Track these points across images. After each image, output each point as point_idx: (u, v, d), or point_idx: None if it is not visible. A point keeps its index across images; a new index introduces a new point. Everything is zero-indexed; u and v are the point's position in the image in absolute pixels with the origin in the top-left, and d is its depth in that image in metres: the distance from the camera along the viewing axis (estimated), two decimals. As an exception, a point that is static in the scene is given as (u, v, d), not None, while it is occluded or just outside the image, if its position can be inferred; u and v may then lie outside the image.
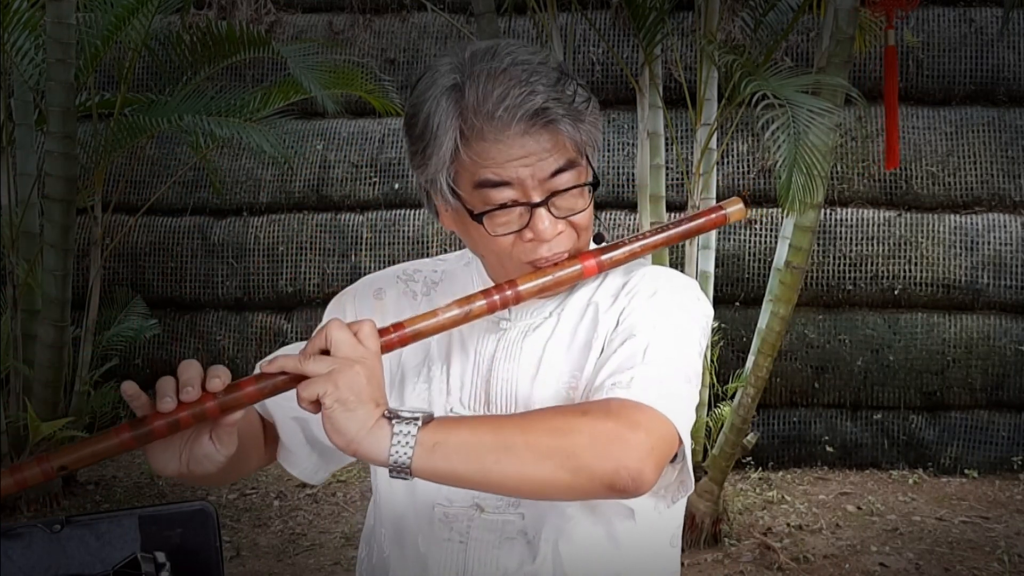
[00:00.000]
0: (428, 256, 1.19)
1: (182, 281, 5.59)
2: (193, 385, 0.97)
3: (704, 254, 4.18)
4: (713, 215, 1.16)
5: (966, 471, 4.87)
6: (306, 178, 5.55)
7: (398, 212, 5.46)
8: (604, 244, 1.15)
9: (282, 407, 1.20)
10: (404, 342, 1.04)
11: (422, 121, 1.09)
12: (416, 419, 0.95)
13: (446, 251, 1.32)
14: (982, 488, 4.70)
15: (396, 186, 5.48)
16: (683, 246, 4.12)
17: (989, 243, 4.98)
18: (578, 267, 1.11)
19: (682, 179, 4.68)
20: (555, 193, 1.08)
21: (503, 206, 1.08)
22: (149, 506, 1.07)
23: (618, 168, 5.27)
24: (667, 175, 4.33)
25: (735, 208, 1.16)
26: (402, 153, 5.54)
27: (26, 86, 4.41)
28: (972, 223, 5.03)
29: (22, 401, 4.47)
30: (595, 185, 1.12)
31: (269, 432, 1.22)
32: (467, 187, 1.09)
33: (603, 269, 1.13)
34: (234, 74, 5.54)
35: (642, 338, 1.08)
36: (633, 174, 4.90)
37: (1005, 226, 5.01)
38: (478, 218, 1.09)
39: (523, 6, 4.30)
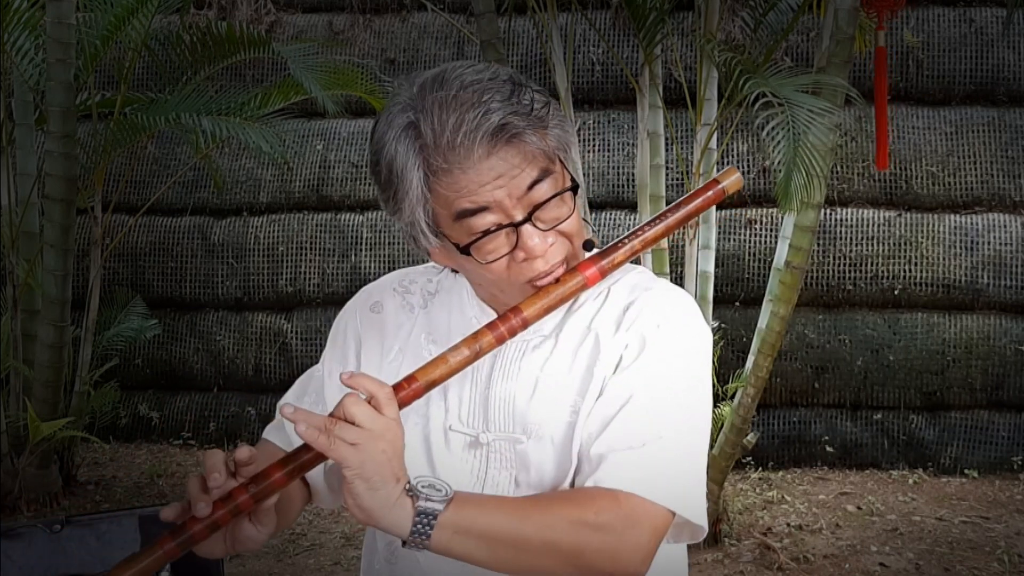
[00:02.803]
0: (428, 257, 1.17)
1: (182, 281, 5.59)
2: (219, 471, 0.99)
3: (704, 254, 4.18)
4: (709, 192, 1.12)
5: (966, 471, 4.87)
6: (306, 178, 5.55)
7: (398, 212, 5.45)
8: (603, 248, 1.13)
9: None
10: (419, 395, 1.04)
11: (386, 167, 1.07)
12: (438, 502, 0.97)
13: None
14: (982, 488, 4.70)
15: (396, 186, 5.47)
16: (683, 246, 4.12)
17: (989, 243, 4.98)
18: (580, 279, 1.09)
19: (682, 179, 4.68)
20: (536, 207, 1.06)
21: (487, 232, 1.06)
22: (149, 506, 1.07)
23: (618, 168, 5.27)
24: (667, 175, 4.33)
25: (731, 180, 1.12)
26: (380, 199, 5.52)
27: (26, 86, 4.41)
28: (972, 223, 5.03)
29: (22, 401, 4.47)
30: (575, 188, 1.09)
31: (305, 479, 1.23)
32: (447, 222, 1.07)
33: (605, 275, 1.11)
34: (234, 74, 5.54)
35: (643, 401, 1.08)
36: (633, 174, 4.90)
37: (1005, 226, 5.00)
38: (465, 251, 1.07)
39: (523, 6, 4.30)
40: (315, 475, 1.21)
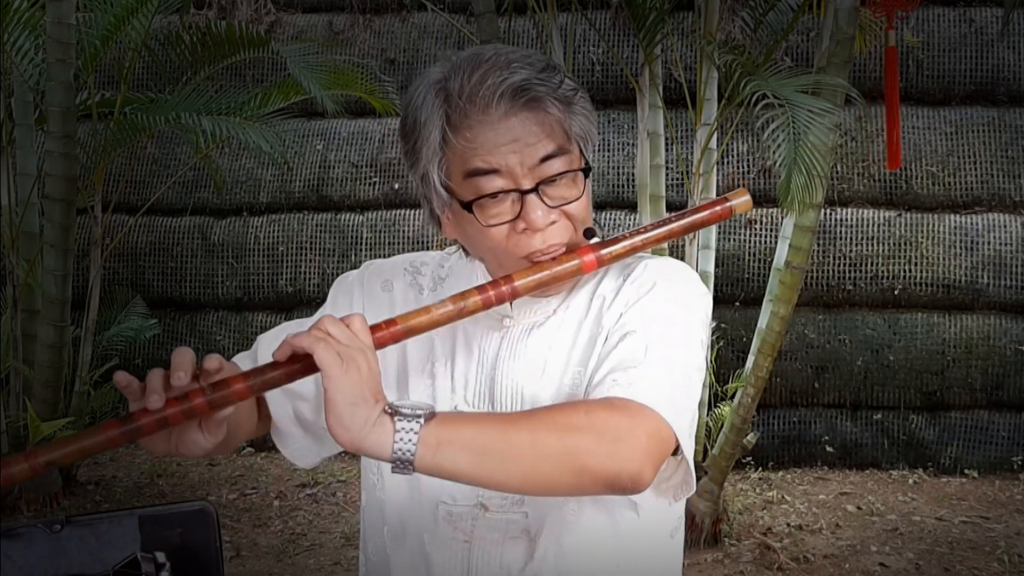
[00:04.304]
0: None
1: (182, 281, 5.59)
2: (185, 370, 0.96)
3: (704, 254, 4.18)
4: (717, 207, 1.13)
5: (966, 471, 4.87)
6: (306, 178, 5.55)
7: (398, 212, 5.46)
8: (604, 239, 1.13)
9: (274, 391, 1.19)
10: (396, 338, 1.02)
11: (411, 117, 1.10)
12: (419, 416, 0.93)
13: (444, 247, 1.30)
14: (982, 488, 4.70)
15: (396, 186, 5.48)
16: (683, 246, 4.12)
17: (989, 243, 4.98)
18: (576, 262, 1.08)
19: (682, 179, 4.68)
20: (545, 180, 1.07)
21: (494, 196, 1.07)
22: (149, 506, 1.07)
23: (618, 168, 5.27)
24: (667, 175, 4.33)
25: (740, 200, 1.13)
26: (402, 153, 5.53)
27: (26, 86, 4.41)
28: (972, 223, 5.03)
29: (22, 401, 4.47)
30: (587, 171, 1.11)
31: (264, 409, 1.21)
32: (457, 178, 1.08)
33: (602, 264, 1.10)
34: (234, 74, 5.54)
35: (642, 335, 1.07)
36: (633, 174, 4.90)
37: (1005, 226, 5.01)
38: (468, 206, 1.08)
39: (523, 6, 4.30)
40: (279, 412, 1.20)
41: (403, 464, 0.93)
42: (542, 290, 1.12)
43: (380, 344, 1.00)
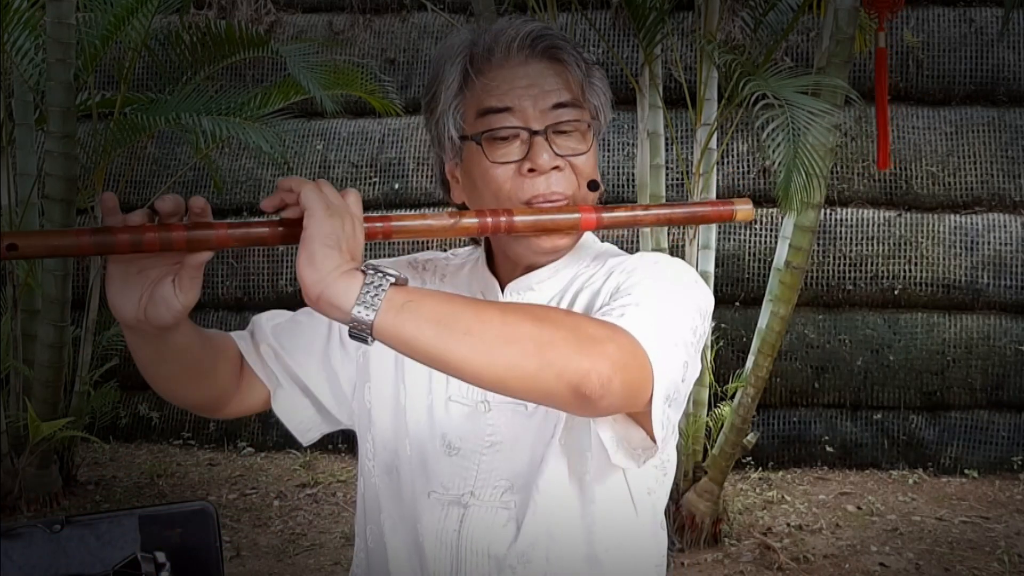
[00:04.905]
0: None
1: (182, 281, 5.58)
2: (172, 200, 0.94)
3: (704, 254, 4.18)
4: (721, 207, 1.13)
5: (966, 471, 4.87)
6: (306, 178, 5.55)
7: (398, 212, 5.46)
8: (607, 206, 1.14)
9: (278, 354, 1.21)
10: (388, 235, 1.01)
11: (434, 67, 1.15)
12: (391, 276, 0.91)
13: (446, 251, 1.31)
14: (982, 488, 4.70)
15: (396, 186, 5.48)
16: (683, 245, 4.13)
17: (989, 243, 4.98)
18: (576, 216, 1.08)
19: (682, 179, 4.68)
20: (555, 126, 1.10)
21: (504, 138, 1.10)
22: (149, 506, 1.07)
23: (618, 168, 5.28)
24: (667, 175, 4.33)
25: (743, 208, 1.14)
26: (402, 153, 5.54)
27: (26, 86, 4.41)
28: (972, 223, 5.03)
29: (22, 401, 4.47)
30: (596, 128, 1.15)
31: (247, 379, 1.22)
32: (471, 119, 1.12)
33: (601, 226, 1.09)
34: (234, 74, 5.54)
35: (635, 296, 1.05)
36: (633, 174, 4.91)
37: (1005, 226, 5.01)
38: (477, 139, 1.10)
39: (523, 6, 4.30)
40: (284, 377, 1.21)
41: (362, 325, 0.89)
42: (537, 243, 1.11)
43: (371, 236, 0.99)
